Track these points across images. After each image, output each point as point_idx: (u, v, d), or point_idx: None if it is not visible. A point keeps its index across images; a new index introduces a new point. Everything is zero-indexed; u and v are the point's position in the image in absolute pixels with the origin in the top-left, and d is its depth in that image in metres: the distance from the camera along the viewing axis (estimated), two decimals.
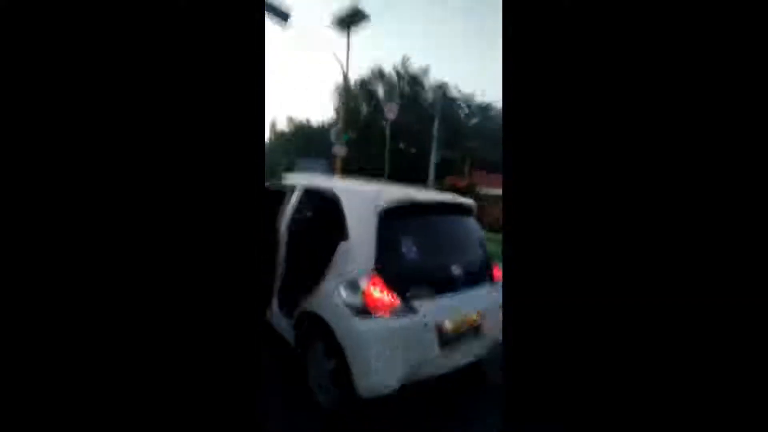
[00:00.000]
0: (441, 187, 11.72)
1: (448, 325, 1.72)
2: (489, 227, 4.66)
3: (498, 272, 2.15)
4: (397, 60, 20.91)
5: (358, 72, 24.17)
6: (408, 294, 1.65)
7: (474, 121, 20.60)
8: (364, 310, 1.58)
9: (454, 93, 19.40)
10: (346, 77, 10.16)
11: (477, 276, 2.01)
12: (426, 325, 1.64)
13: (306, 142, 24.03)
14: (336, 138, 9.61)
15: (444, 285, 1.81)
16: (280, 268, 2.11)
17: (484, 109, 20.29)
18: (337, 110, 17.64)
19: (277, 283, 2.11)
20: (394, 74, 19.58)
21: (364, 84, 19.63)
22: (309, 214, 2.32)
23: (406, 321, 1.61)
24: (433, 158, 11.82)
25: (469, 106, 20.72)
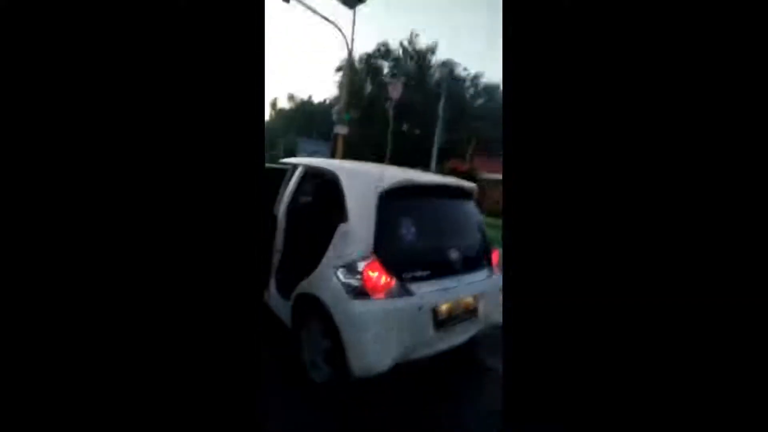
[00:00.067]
0: (442, 170, 11.62)
1: (443, 308, 1.75)
2: (488, 212, 4.65)
3: (496, 257, 2.16)
4: (404, 36, 20.16)
5: (364, 48, 23.49)
6: (405, 276, 1.67)
7: (480, 101, 20.16)
8: (362, 292, 1.60)
9: (461, 72, 18.88)
10: (350, 53, 9.87)
11: (475, 260, 2.03)
12: (421, 307, 1.66)
13: (307, 120, 23.69)
14: (338, 117, 9.45)
15: (441, 268, 1.83)
16: (279, 250, 2.13)
17: (492, 90, 19.80)
18: (340, 87, 17.24)
19: (275, 265, 2.13)
20: (400, 51, 19.00)
21: (369, 61, 19.07)
22: (308, 194, 2.31)
23: (402, 303, 1.63)
24: (437, 141, 11.65)
25: (475, 86, 20.23)
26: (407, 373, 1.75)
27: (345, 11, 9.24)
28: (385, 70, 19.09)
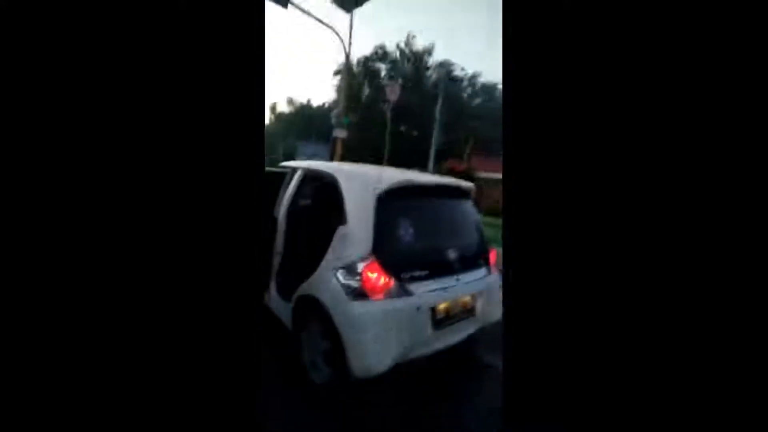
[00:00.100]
0: (440, 170, 11.63)
1: (441, 307, 1.75)
2: (486, 212, 4.66)
3: (494, 256, 2.17)
4: (400, 38, 20.25)
5: (361, 51, 23.52)
6: (404, 276, 1.68)
7: (477, 101, 20.18)
8: (361, 293, 1.61)
9: (458, 72, 18.92)
10: (348, 57, 9.91)
11: (472, 259, 2.04)
12: (420, 307, 1.67)
13: (307, 124, 23.73)
14: (336, 121, 9.47)
15: (439, 267, 1.84)
16: (279, 252, 2.14)
17: (489, 89, 19.82)
18: (338, 90, 17.26)
19: (276, 267, 2.14)
20: (397, 53, 19.05)
21: (366, 63, 19.12)
22: (308, 197, 2.33)
23: (401, 303, 1.64)
24: (435, 142, 11.67)
25: (473, 86, 20.26)
26: (407, 373, 1.75)
27: (342, 14, 9.28)
28: (383, 73, 19.14)
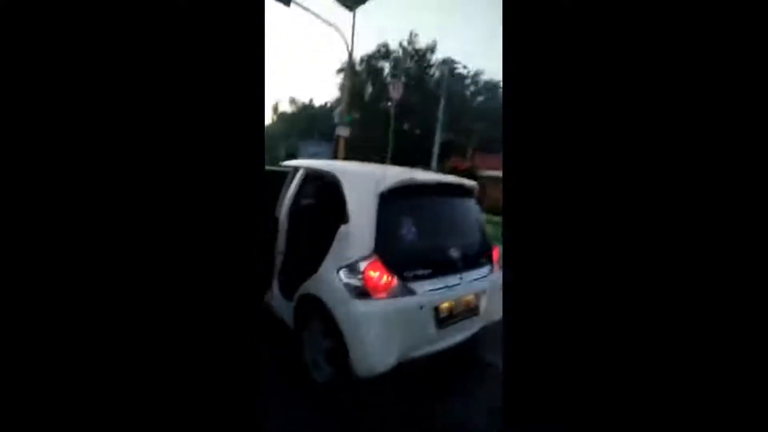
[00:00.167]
0: (443, 169, 11.61)
1: (444, 306, 1.75)
2: (489, 210, 4.64)
3: (497, 254, 2.16)
4: (403, 37, 20.16)
5: (364, 49, 23.51)
6: (406, 275, 1.68)
7: (480, 99, 20.09)
8: (364, 292, 1.61)
9: (461, 70, 18.83)
10: (350, 55, 9.89)
11: (476, 257, 2.03)
12: (423, 306, 1.67)
13: (309, 123, 23.78)
14: (339, 120, 9.47)
15: (442, 266, 1.83)
16: (281, 252, 2.14)
17: (493, 87, 19.72)
18: (341, 89, 17.28)
19: (278, 267, 2.15)
20: (400, 51, 18.99)
21: (369, 62, 19.09)
22: (310, 196, 2.33)
23: (403, 302, 1.64)
24: (438, 140, 11.64)
25: (476, 84, 20.15)
26: (408, 372, 1.75)
27: (345, 12, 9.26)
28: (386, 71, 19.10)
